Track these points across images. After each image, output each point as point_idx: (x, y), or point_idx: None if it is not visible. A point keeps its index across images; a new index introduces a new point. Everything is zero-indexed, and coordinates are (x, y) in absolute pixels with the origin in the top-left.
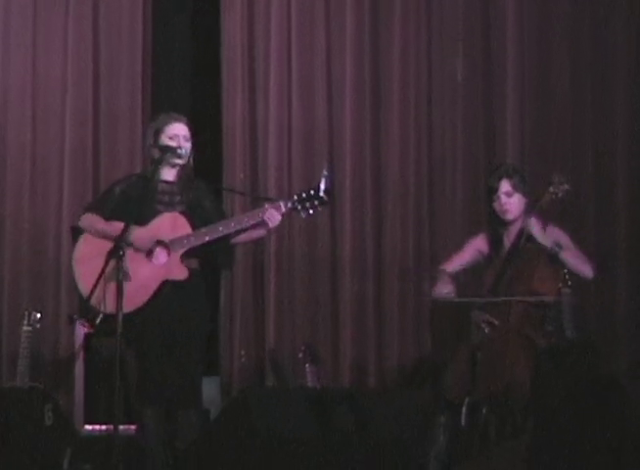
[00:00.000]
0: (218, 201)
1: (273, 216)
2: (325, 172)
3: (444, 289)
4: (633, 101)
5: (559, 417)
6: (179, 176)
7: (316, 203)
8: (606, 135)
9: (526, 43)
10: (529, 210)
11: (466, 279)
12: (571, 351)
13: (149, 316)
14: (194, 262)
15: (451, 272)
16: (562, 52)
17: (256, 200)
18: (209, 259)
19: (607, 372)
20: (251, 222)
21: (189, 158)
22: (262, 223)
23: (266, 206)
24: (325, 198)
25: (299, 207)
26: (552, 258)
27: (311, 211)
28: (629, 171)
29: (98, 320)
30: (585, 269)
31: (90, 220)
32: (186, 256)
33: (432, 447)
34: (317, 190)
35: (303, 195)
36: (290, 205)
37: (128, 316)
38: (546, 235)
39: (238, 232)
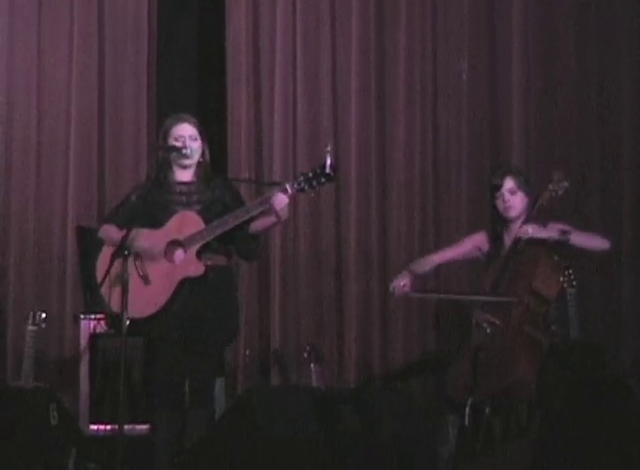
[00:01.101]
0: (239, 194)
1: (280, 199)
2: (328, 148)
3: (401, 281)
4: (638, 98)
5: (563, 417)
6: (197, 176)
7: (323, 180)
8: (611, 132)
9: (531, 42)
10: (530, 209)
11: (462, 275)
12: (577, 351)
13: (173, 316)
14: (220, 259)
15: (418, 269)
16: (567, 51)
17: (263, 186)
18: (236, 252)
19: (612, 372)
20: (260, 208)
21: (204, 156)
22: (271, 208)
23: (273, 190)
24: (331, 174)
25: (306, 186)
26: (563, 246)
27: (318, 188)
28: (635, 169)
29: (125, 326)
30: (600, 243)
31: (105, 231)
32: (209, 252)
33: (442, 447)
34: (323, 167)
35: (310, 174)
36: (296, 186)
37: (152, 318)
38: (548, 229)
39: (249, 220)
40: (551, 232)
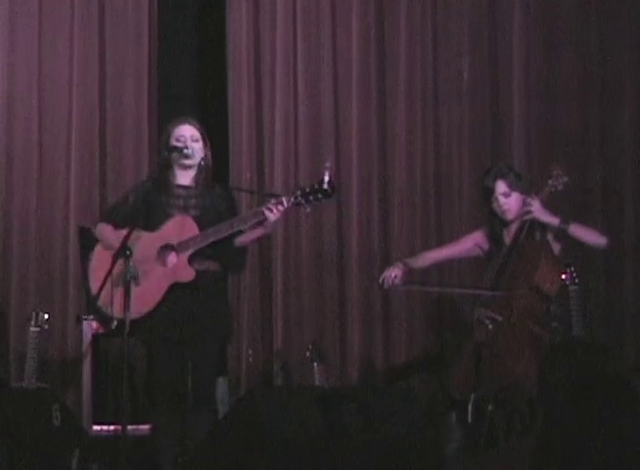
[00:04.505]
0: (234, 207)
1: (274, 212)
2: (327, 164)
3: (392, 273)
4: None
5: (566, 414)
6: (196, 181)
7: (320, 196)
8: (613, 129)
9: (532, 39)
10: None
11: (463, 272)
12: (580, 349)
13: (162, 318)
14: (212, 264)
15: (412, 263)
16: (568, 47)
17: (262, 196)
18: (222, 263)
19: (615, 370)
20: (255, 219)
21: (205, 160)
22: (265, 220)
23: (268, 202)
24: (329, 190)
25: (303, 201)
26: (561, 234)
27: (315, 204)
28: (636, 165)
29: (114, 326)
30: (597, 239)
31: (101, 231)
32: (201, 258)
33: (448, 445)
34: (321, 183)
35: (307, 189)
36: (293, 200)
37: (141, 320)
38: (550, 214)
39: (237, 233)
40: (553, 218)
